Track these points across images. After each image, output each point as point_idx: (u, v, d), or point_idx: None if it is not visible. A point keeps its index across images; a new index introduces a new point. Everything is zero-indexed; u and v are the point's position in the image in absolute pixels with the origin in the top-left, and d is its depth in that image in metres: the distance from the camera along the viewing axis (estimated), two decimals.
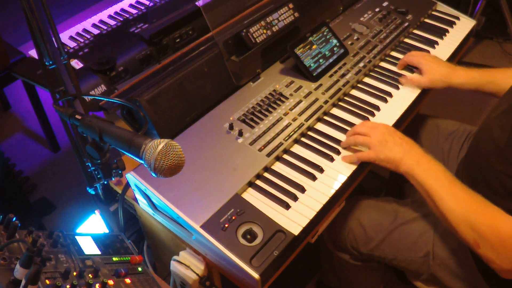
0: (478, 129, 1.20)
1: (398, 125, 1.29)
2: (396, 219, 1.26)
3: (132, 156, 0.84)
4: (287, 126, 1.21)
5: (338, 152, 1.17)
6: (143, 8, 1.69)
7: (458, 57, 1.61)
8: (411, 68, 1.44)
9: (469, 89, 1.33)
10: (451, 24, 1.64)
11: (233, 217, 1.00)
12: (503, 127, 1.01)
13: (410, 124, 1.42)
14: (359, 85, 1.38)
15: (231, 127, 1.18)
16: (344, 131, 1.23)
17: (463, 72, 1.33)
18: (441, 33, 1.60)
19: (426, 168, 1.05)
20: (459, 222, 0.98)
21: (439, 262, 1.19)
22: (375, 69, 1.45)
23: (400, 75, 1.41)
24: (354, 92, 1.36)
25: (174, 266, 1.08)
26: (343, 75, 1.38)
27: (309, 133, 1.23)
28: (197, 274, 1.05)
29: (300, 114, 1.25)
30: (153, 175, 0.81)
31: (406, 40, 1.58)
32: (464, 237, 0.98)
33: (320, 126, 1.25)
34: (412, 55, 1.43)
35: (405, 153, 1.08)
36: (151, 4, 1.70)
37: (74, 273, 0.87)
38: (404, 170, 1.08)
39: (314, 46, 1.38)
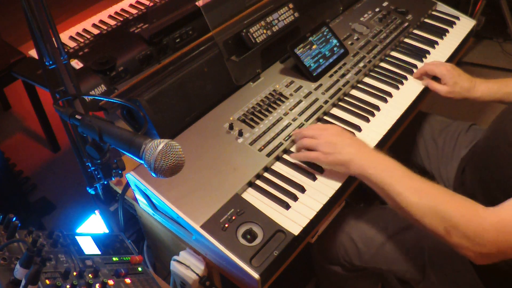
0: (489, 130, 1.16)
1: (398, 125, 1.29)
2: (387, 230, 1.22)
3: (132, 156, 0.84)
4: (287, 126, 1.21)
5: None
6: (143, 8, 1.69)
7: (458, 57, 1.61)
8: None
9: (488, 101, 1.33)
10: (451, 24, 1.64)
11: (233, 217, 1.00)
12: None
13: None
14: (359, 85, 1.38)
15: (231, 127, 1.18)
16: None
17: (482, 86, 1.32)
18: (441, 33, 1.60)
19: (379, 166, 1.01)
20: (424, 214, 0.94)
21: (436, 269, 1.17)
22: (375, 69, 1.45)
23: (402, 76, 1.41)
24: (354, 92, 1.36)
25: (174, 266, 1.08)
26: (343, 75, 1.38)
27: None
28: (197, 274, 1.05)
29: (300, 114, 1.25)
30: (153, 175, 0.81)
31: (406, 40, 1.58)
32: (432, 228, 0.94)
33: None
34: (434, 64, 1.39)
35: (355, 154, 1.04)
36: (151, 4, 1.70)
37: (74, 273, 0.87)
38: (356, 172, 1.04)
39: (314, 46, 1.38)
